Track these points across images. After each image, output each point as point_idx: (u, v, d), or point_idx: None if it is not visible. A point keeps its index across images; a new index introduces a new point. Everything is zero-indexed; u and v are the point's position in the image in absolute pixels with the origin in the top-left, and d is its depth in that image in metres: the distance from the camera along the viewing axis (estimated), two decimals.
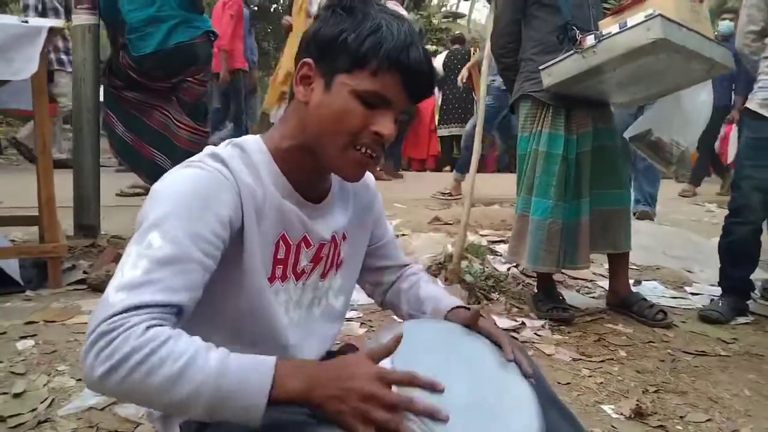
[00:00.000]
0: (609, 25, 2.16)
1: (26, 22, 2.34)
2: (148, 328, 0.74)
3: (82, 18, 3.13)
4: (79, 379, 1.66)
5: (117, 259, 2.66)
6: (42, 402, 1.53)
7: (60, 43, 5.44)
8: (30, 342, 1.90)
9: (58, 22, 2.45)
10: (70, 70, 2.95)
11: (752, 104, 2.58)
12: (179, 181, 0.87)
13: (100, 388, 0.75)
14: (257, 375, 0.77)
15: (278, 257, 0.98)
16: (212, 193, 0.87)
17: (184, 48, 2.92)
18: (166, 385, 0.74)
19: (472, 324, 1.02)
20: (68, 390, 1.61)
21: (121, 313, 0.75)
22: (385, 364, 0.84)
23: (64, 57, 5.52)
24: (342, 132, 0.92)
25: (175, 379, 0.74)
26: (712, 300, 2.73)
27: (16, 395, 1.56)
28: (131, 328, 0.74)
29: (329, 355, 1.13)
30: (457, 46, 8.22)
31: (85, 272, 2.61)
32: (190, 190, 0.86)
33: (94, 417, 1.48)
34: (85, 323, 2.06)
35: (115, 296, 0.76)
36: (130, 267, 0.79)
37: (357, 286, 1.23)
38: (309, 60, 0.94)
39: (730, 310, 2.61)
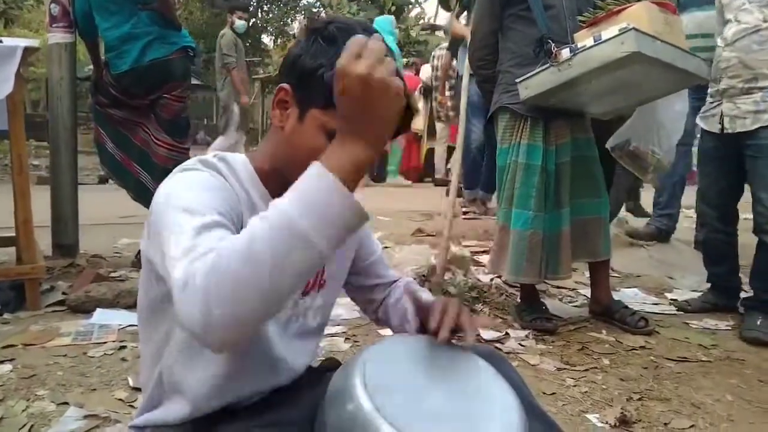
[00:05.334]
0: (584, 38, 2.19)
1: (1, 41, 2.32)
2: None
3: (57, 36, 3.11)
4: (60, 403, 1.63)
5: (96, 279, 2.65)
6: (21, 428, 1.50)
7: None
8: (8, 366, 1.86)
9: (33, 42, 2.43)
10: None
11: (697, 117, 2.76)
12: (189, 178, 0.88)
13: (207, 301, 0.68)
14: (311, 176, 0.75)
15: None
16: (219, 187, 0.88)
17: (159, 64, 2.91)
18: (268, 242, 0.69)
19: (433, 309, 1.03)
20: (48, 415, 1.58)
21: (190, 265, 0.71)
22: (359, 371, 0.84)
23: None
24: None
25: (270, 232, 0.70)
26: None
27: None
28: (208, 257, 0.71)
29: (311, 370, 1.13)
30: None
31: (64, 293, 2.57)
32: (204, 183, 0.87)
33: None
34: (65, 345, 2.05)
35: (176, 269, 0.73)
36: (173, 245, 0.76)
37: (338, 301, 1.22)
38: (286, 86, 0.95)
39: (700, 303, 2.83)
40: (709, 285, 2.91)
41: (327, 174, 0.73)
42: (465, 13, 4.94)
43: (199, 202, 0.82)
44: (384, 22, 7.32)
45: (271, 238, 0.70)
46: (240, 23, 6.61)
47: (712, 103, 2.63)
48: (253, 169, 0.98)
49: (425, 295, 1.15)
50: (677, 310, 2.84)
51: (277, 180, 0.98)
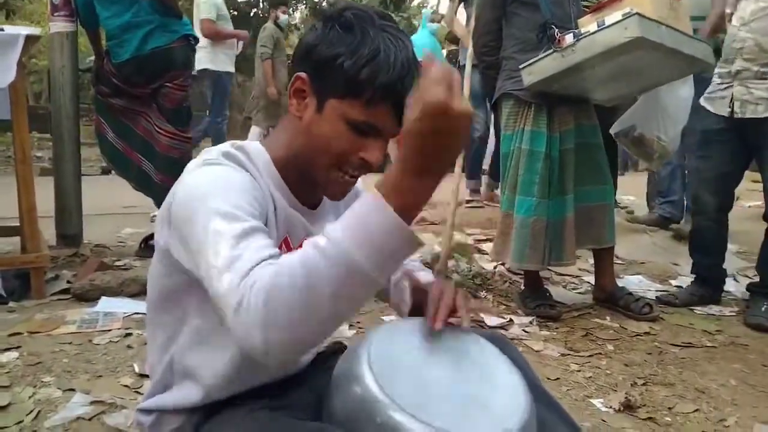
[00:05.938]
0: (588, 23, 2.18)
1: (2, 30, 2.31)
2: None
3: (59, 25, 3.10)
4: (66, 390, 1.64)
5: (100, 267, 2.65)
6: (28, 414, 1.51)
7: None
8: (14, 354, 1.87)
9: (34, 30, 2.42)
10: None
11: (701, 99, 2.67)
12: (215, 174, 0.87)
13: (265, 328, 0.68)
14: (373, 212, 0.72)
15: None
16: (247, 185, 0.87)
17: (160, 53, 2.90)
18: (326, 278, 0.69)
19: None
20: (54, 401, 1.58)
21: (239, 282, 0.71)
22: (364, 354, 0.85)
23: None
24: (330, 155, 0.93)
25: (329, 270, 0.69)
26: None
27: (1, 408, 1.53)
28: (259, 275, 0.71)
29: (318, 354, 1.13)
30: (453, 46, 8.18)
31: (68, 282, 2.58)
32: (232, 180, 0.86)
33: (82, 427, 1.46)
34: (71, 333, 2.05)
35: (222, 282, 0.73)
36: (212, 253, 0.76)
37: None
38: (303, 75, 0.93)
39: (688, 296, 2.72)
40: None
41: (389, 211, 0.70)
42: (463, 5, 4.93)
43: (232, 204, 0.81)
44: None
45: (329, 275, 0.69)
46: (284, 18, 6.76)
47: (720, 84, 2.54)
48: (270, 159, 0.97)
49: (424, 275, 1.15)
50: (667, 305, 2.70)
51: (293, 169, 0.98)
